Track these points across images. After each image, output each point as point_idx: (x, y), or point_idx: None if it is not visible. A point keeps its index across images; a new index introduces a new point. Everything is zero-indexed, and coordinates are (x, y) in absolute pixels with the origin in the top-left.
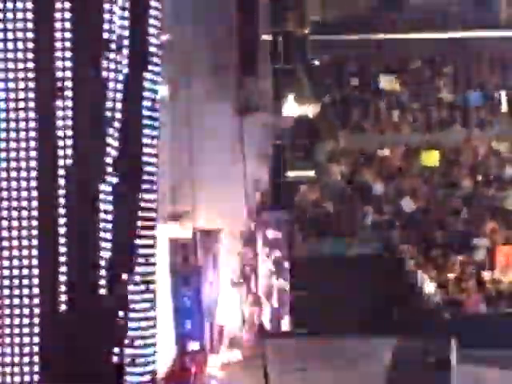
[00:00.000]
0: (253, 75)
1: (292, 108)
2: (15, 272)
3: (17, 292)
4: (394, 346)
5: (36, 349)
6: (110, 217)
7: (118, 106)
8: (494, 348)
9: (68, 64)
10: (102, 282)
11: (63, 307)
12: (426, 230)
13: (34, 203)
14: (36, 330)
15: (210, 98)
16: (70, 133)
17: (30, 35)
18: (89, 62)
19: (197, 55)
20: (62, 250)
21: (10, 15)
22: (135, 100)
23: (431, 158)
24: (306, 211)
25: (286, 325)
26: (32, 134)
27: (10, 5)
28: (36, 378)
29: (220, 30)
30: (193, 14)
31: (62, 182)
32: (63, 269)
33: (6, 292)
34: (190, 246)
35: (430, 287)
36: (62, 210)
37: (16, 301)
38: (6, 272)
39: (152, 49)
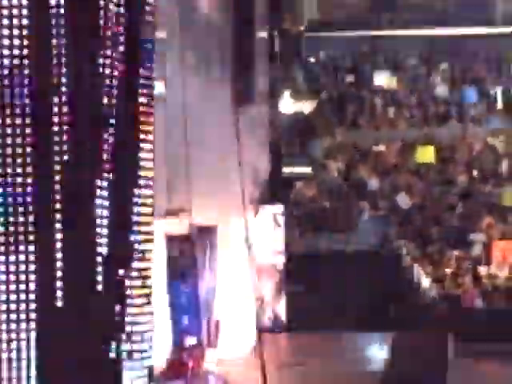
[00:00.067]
0: (249, 71)
1: (288, 105)
2: (11, 268)
3: (13, 287)
4: (392, 341)
5: (33, 344)
6: (106, 212)
7: (114, 101)
8: (490, 342)
9: (63, 60)
10: (99, 277)
11: (60, 303)
12: (422, 225)
13: (30, 199)
14: (32, 325)
15: (205, 94)
16: (65, 128)
17: (25, 32)
18: (84, 58)
19: (192, 51)
20: (58, 245)
21: (5, 12)
22: (131, 96)
23: (427, 154)
24: (302, 207)
25: (282, 321)
26: (28, 130)
27: (5, 1)
28: (33, 372)
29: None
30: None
31: (57, 177)
32: (59, 264)
33: (3, 287)
34: (186, 241)
35: (426, 282)
36: (58, 206)
37: (13, 296)
38: (2, 267)
39: (147, 45)
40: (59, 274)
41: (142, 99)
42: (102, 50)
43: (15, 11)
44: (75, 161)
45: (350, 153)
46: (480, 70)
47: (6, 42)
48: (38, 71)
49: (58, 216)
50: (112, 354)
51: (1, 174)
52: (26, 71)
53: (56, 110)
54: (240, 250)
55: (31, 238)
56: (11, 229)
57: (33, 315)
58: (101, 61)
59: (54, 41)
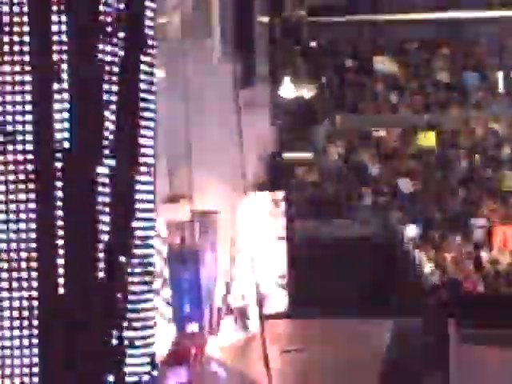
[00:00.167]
0: (250, 55)
1: (289, 90)
2: (13, 255)
3: (15, 275)
4: (393, 326)
5: (35, 331)
6: (107, 199)
7: (115, 88)
8: (492, 328)
9: (64, 47)
10: (100, 264)
11: (61, 290)
12: (424, 210)
13: (31, 186)
14: (35, 312)
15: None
16: (66, 116)
17: (25, 19)
18: (85, 44)
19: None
20: (60, 232)
21: None
22: (132, 83)
23: (428, 139)
24: (304, 193)
25: (284, 306)
26: (28, 117)
27: None
28: (35, 360)
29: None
30: None
31: (59, 164)
32: (61, 251)
33: (5, 275)
34: (187, 228)
35: (428, 268)
36: (59, 193)
37: (15, 284)
38: (3, 255)
39: (148, 31)
40: (60, 261)
41: (142, 85)
42: (103, 35)
43: None
44: (76, 148)
45: (350, 138)
46: (481, 54)
47: (6, 28)
48: (37, 58)
49: (59, 203)
50: (114, 342)
51: (1, 161)
52: (25, 58)
53: (56, 96)
54: (241, 236)
55: (32, 225)
56: (12, 217)
57: (35, 303)
58: (101, 47)
59: (55, 27)
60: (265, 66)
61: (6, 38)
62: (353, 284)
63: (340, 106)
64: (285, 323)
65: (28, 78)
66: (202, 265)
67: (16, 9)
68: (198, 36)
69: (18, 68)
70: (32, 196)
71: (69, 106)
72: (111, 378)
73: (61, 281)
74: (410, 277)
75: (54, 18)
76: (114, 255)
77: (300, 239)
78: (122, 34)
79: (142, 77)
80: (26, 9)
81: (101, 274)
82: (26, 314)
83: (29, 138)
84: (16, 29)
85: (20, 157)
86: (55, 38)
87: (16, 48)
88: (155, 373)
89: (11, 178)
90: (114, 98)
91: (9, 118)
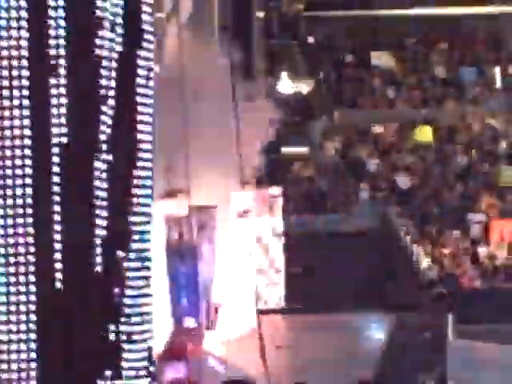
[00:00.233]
0: (248, 49)
1: (286, 85)
2: (10, 250)
3: (13, 270)
4: (391, 321)
5: (33, 326)
6: (104, 194)
7: (112, 83)
8: (490, 323)
9: (62, 42)
10: (98, 259)
11: (59, 285)
12: (422, 205)
13: (28, 180)
14: (32, 307)
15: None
16: (63, 110)
17: (23, 14)
18: (82, 39)
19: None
20: (57, 227)
21: None
22: (129, 78)
23: (425, 134)
24: (300, 187)
25: (281, 301)
26: (26, 111)
27: None
28: (33, 355)
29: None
30: None
31: (56, 159)
32: (59, 246)
33: (2, 270)
34: (185, 223)
35: (425, 263)
36: (56, 188)
37: (12, 279)
38: (1, 250)
39: (145, 26)
40: (58, 256)
41: (140, 81)
42: (100, 31)
43: None
44: (73, 143)
45: (348, 133)
46: (479, 49)
47: (4, 22)
48: (35, 54)
49: (57, 198)
50: (111, 336)
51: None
52: (24, 53)
53: (54, 91)
54: (238, 231)
55: (30, 220)
56: (9, 211)
57: (33, 297)
58: (98, 42)
59: (52, 22)
60: (262, 61)
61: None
62: (349, 279)
63: (337, 101)
64: (280, 319)
65: (25, 72)
66: (200, 260)
67: (14, 4)
68: (198, 33)
69: (15, 63)
70: (28, 191)
71: (66, 101)
72: (109, 373)
73: (58, 276)
74: (407, 272)
75: (52, 13)
76: (111, 250)
77: (296, 233)
78: (119, 30)
79: (140, 72)
80: (23, 3)
81: (98, 269)
82: (23, 309)
83: (26, 132)
84: (14, 24)
85: (18, 152)
86: (52, 32)
87: (14, 43)
88: (152, 368)
89: (8, 172)
90: (111, 93)
91: (7, 112)
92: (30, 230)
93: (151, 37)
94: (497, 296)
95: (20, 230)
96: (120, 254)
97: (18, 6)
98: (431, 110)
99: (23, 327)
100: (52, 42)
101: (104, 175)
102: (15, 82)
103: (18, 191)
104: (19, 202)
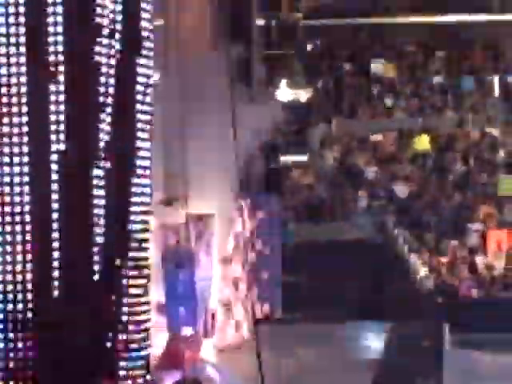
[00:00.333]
0: (247, 57)
1: (285, 93)
2: (8, 258)
3: (10, 277)
4: (389, 330)
5: (29, 335)
6: (102, 202)
7: (111, 90)
8: (487, 332)
9: (60, 49)
10: (96, 267)
11: (56, 293)
12: (419, 214)
13: (27, 188)
14: (29, 315)
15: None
16: (62, 118)
17: (21, 19)
18: (81, 46)
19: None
20: (55, 235)
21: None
22: (128, 85)
23: (422, 142)
24: (298, 196)
25: (278, 311)
26: (24, 118)
27: None
28: (30, 363)
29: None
30: None
31: (54, 167)
32: (56, 254)
33: None
34: (182, 230)
35: (422, 272)
36: (54, 195)
37: (9, 287)
38: None
39: (144, 33)
40: (56, 263)
41: (138, 88)
42: (99, 38)
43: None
44: (72, 150)
45: (346, 142)
46: (477, 58)
47: (3, 29)
48: (34, 60)
49: (55, 206)
50: (108, 344)
51: None
52: (23, 59)
53: (53, 98)
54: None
55: (27, 227)
56: (8, 218)
57: (30, 305)
58: (97, 49)
59: (51, 29)
60: (261, 69)
61: (2, 40)
62: (348, 287)
63: (336, 109)
64: (279, 326)
65: (24, 79)
66: (197, 267)
67: (12, 9)
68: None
69: (14, 69)
70: (26, 199)
71: (64, 107)
72: (106, 381)
73: (56, 283)
74: (405, 281)
75: (50, 19)
76: (109, 258)
77: (294, 243)
78: (118, 36)
79: (139, 79)
80: (22, 9)
81: (96, 277)
82: (20, 316)
83: (25, 139)
84: (12, 30)
85: (16, 159)
86: (51, 39)
87: (12, 49)
88: (149, 376)
89: (6, 180)
90: (110, 100)
91: (5, 119)
92: (28, 237)
93: (151, 44)
94: (494, 305)
95: (18, 238)
96: (118, 261)
97: (16, 12)
98: (429, 119)
99: (20, 335)
100: (51, 48)
101: (102, 183)
102: (14, 89)
103: (16, 198)
104: (17, 209)
